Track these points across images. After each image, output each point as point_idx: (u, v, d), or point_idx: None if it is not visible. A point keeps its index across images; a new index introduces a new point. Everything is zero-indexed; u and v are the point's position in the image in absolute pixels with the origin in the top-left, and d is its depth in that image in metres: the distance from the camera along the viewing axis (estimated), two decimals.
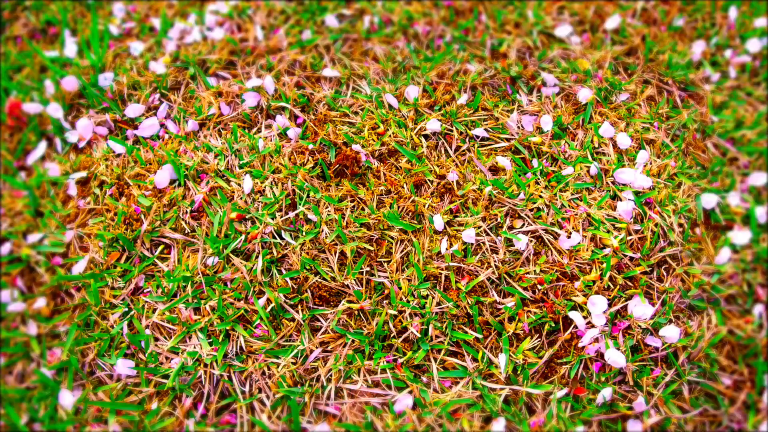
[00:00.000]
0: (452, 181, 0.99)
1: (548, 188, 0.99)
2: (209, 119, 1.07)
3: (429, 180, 1.00)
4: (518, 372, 0.86)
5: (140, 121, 1.06)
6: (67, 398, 0.83)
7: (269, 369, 0.86)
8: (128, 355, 0.88)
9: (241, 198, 0.98)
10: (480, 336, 0.88)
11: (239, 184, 0.99)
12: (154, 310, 0.90)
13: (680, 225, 0.97)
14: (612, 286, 0.92)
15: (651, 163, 1.02)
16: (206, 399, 0.85)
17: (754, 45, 1.12)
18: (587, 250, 0.93)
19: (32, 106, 1.05)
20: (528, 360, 0.87)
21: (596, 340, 0.88)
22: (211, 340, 0.88)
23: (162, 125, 1.06)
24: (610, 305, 0.90)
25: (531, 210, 0.97)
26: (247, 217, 0.96)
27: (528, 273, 0.92)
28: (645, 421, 0.84)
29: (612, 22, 1.16)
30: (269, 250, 0.94)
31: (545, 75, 1.09)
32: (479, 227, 0.95)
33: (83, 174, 1.00)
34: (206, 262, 0.93)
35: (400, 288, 0.91)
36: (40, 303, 0.89)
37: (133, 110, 1.06)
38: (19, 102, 1.05)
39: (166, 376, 0.86)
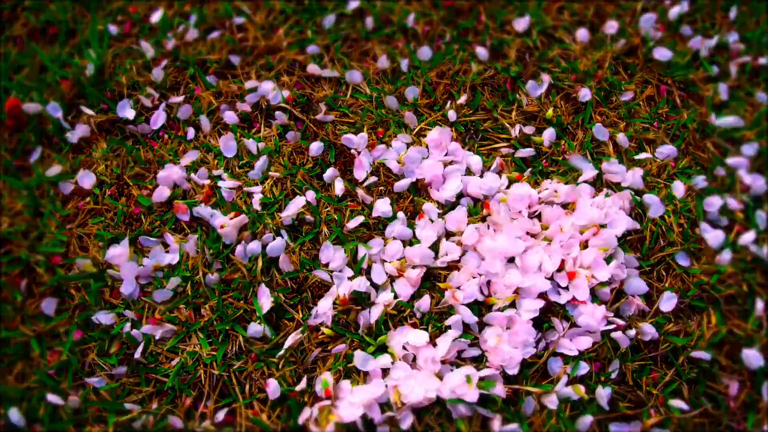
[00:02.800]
0: None
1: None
2: (209, 119, 1.07)
3: None
4: (518, 372, 0.86)
5: (140, 121, 1.06)
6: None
7: (269, 369, 0.86)
8: (128, 355, 0.88)
9: (240, 198, 0.98)
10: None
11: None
12: (154, 310, 0.90)
13: (680, 225, 0.97)
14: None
15: (651, 163, 1.02)
16: (206, 399, 0.85)
17: None
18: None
19: (32, 106, 1.05)
20: (527, 360, 0.86)
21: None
22: (210, 340, 0.88)
23: (164, 125, 1.06)
24: (610, 305, 0.90)
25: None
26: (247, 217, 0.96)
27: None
28: (645, 421, 0.84)
29: (611, 28, 1.16)
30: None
31: (543, 75, 1.09)
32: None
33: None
34: (206, 261, 0.93)
35: None
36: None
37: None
38: (19, 102, 1.05)
39: (166, 376, 0.86)
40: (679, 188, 0.99)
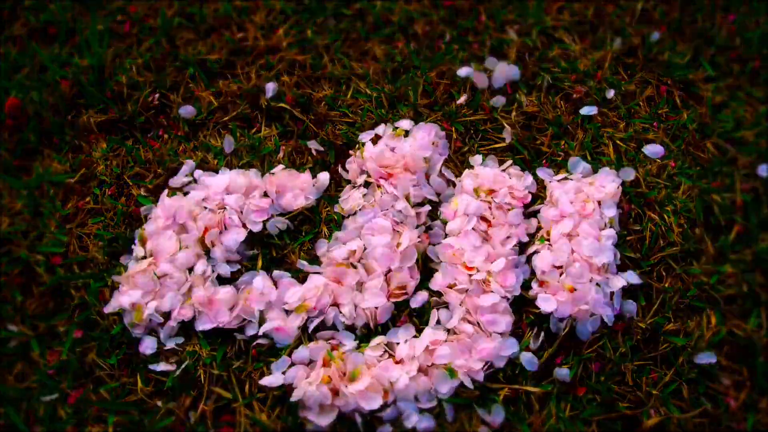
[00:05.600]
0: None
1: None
2: (209, 119, 1.07)
3: None
4: (518, 371, 0.86)
5: (140, 121, 1.06)
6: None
7: (269, 369, 0.86)
8: (129, 354, 0.88)
9: None
10: None
11: None
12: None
13: (680, 225, 0.97)
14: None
15: (650, 163, 1.02)
16: (205, 398, 0.85)
17: None
18: None
19: (32, 106, 1.05)
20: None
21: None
22: (210, 340, 0.88)
23: (162, 125, 1.07)
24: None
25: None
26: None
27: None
28: (645, 421, 0.84)
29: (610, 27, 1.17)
30: (269, 250, 0.95)
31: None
32: None
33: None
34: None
35: None
36: None
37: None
38: (19, 102, 1.05)
39: (166, 376, 0.86)
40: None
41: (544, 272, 0.90)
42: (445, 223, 0.95)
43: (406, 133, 1.02)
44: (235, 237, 0.92)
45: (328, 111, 1.06)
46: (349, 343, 0.86)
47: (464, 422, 0.83)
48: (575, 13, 1.21)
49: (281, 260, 0.94)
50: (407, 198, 0.95)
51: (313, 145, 1.03)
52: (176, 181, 0.98)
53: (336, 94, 1.09)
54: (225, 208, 0.93)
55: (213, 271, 0.91)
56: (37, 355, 0.88)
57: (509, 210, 0.94)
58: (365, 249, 0.90)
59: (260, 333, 0.87)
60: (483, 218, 0.94)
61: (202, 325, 0.87)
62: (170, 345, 0.87)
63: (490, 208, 0.94)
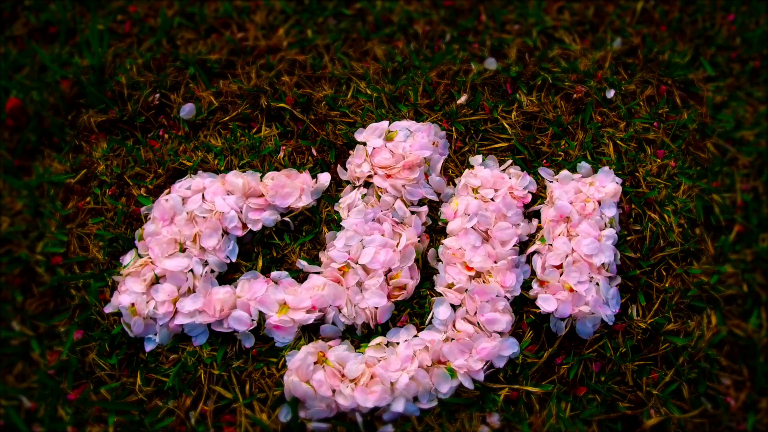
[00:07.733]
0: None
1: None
2: (209, 119, 1.07)
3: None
4: (518, 371, 0.86)
5: (140, 121, 1.06)
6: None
7: (269, 369, 0.86)
8: (129, 354, 0.88)
9: None
10: None
11: None
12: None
13: (680, 225, 0.97)
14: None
15: (650, 163, 1.02)
16: (205, 399, 0.85)
17: None
18: None
19: (32, 106, 1.05)
20: (528, 360, 0.87)
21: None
22: (210, 340, 0.88)
23: (162, 125, 1.07)
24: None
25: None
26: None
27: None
28: (645, 421, 0.84)
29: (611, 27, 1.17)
30: (269, 250, 0.95)
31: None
32: None
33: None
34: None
35: None
36: None
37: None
38: (19, 102, 1.05)
39: (166, 376, 0.86)
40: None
41: (544, 272, 0.90)
42: (445, 223, 0.95)
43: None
44: (230, 238, 0.93)
45: (328, 111, 1.06)
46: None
47: (464, 422, 0.83)
48: (575, 13, 1.21)
49: (281, 260, 0.94)
50: (401, 199, 0.95)
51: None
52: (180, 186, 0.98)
53: (336, 94, 1.09)
54: (222, 211, 0.93)
55: (212, 272, 0.91)
56: (37, 355, 0.88)
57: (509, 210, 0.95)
58: (363, 248, 0.90)
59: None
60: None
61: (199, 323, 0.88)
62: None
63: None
